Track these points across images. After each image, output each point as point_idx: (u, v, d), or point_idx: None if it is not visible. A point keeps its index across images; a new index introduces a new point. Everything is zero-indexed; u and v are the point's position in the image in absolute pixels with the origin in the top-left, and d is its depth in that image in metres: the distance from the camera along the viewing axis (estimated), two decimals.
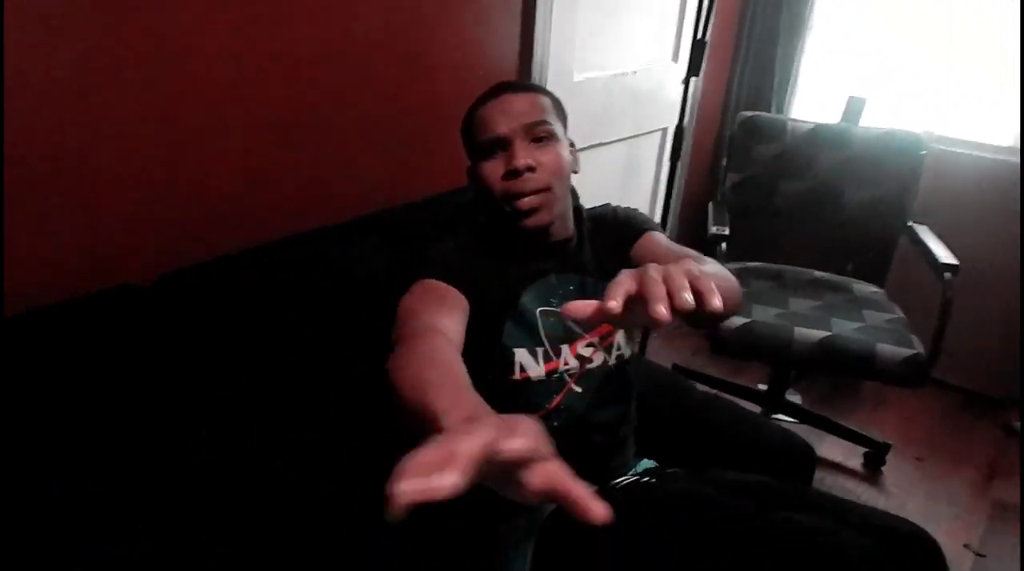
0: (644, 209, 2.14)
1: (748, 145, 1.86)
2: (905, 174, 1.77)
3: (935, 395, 2.13)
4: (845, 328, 1.57)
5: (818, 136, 1.84)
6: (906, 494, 1.74)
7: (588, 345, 0.98)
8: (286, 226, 1.11)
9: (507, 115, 0.93)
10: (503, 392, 0.94)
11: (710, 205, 1.87)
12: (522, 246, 0.97)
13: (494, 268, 0.96)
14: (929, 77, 2.13)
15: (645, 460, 1.08)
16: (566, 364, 0.96)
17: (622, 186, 2.10)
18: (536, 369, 0.95)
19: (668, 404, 1.21)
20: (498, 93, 0.96)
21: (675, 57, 2.05)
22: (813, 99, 2.34)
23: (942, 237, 1.67)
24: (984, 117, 2.04)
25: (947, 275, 1.48)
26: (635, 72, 1.90)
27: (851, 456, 1.85)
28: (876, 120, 2.01)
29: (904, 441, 1.91)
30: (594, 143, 1.84)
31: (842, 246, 2.08)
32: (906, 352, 1.48)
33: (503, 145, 0.93)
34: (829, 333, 1.54)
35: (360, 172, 1.29)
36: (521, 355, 0.95)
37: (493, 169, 0.93)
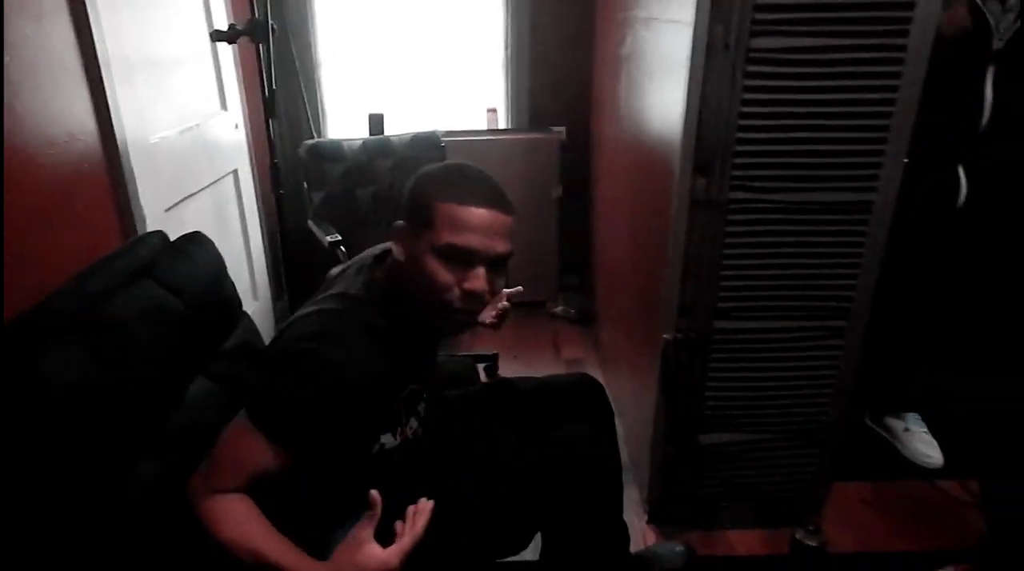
0: (239, 244, 2.32)
1: (320, 167, 2.21)
2: (437, 160, 2.38)
3: None
4: None
5: (368, 148, 2.31)
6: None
7: (423, 402, 1.18)
8: None
9: (491, 236, 0.94)
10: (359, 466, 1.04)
11: (310, 222, 2.17)
12: (415, 344, 1.07)
13: (376, 391, 0.98)
14: (426, 84, 2.82)
15: None
16: (411, 426, 1.14)
17: (217, 230, 2.22)
18: (393, 441, 1.09)
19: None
20: (491, 204, 0.95)
21: (224, 106, 2.25)
22: (343, 120, 2.83)
23: None
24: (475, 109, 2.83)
25: None
26: (198, 125, 2.04)
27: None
28: (397, 126, 2.59)
29: (501, 347, 2.58)
30: (186, 195, 1.93)
31: None
32: None
33: (471, 259, 0.94)
34: None
35: None
36: (385, 439, 1.07)
37: (451, 276, 0.94)
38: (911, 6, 1.22)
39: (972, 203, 1.67)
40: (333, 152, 2.25)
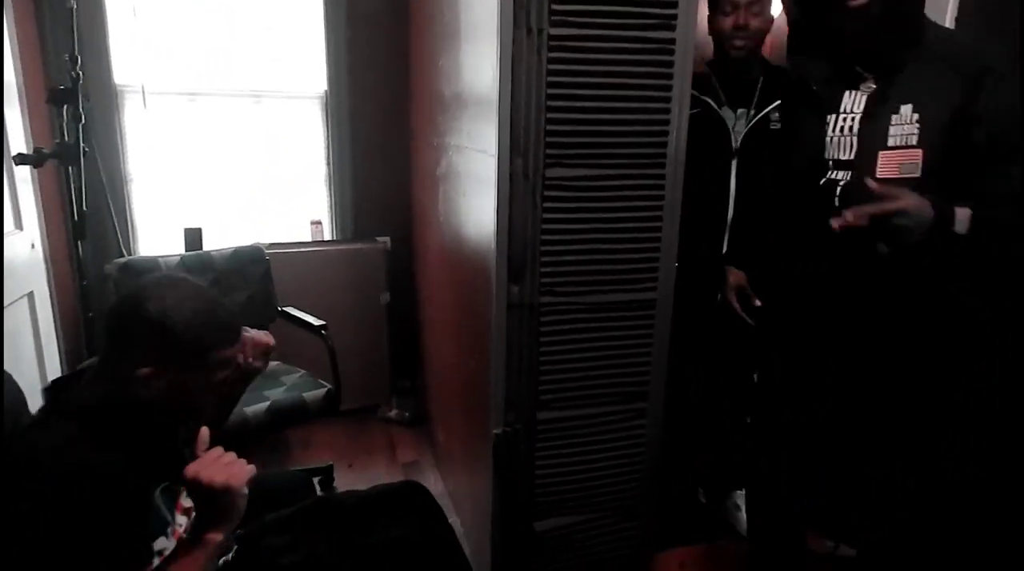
0: (34, 375, 2.12)
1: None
2: (261, 275, 2.38)
3: (336, 419, 2.85)
4: (277, 393, 2.07)
5: (187, 265, 2.26)
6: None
7: (187, 496, 1.15)
8: None
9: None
10: None
11: None
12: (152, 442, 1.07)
13: (106, 498, 0.95)
14: (249, 199, 2.82)
15: None
16: (180, 525, 1.11)
17: (9, 359, 2.01)
18: (170, 544, 1.07)
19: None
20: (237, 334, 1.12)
21: (18, 225, 2.10)
22: (158, 236, 2.73)
23: (306, 309, 2.35)
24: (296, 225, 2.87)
25: (323, 332, 2.16)
26: None
27: None
28: (217, 240, 2.56)
29: (334, 459, 2.54)
30: None
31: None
32: (323, 391, 2.09)
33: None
34: (269, 401, 2.01)
35: None
36: (159, 544, 1.04)
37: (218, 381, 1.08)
38: (664, 145, 1.53)
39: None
40: (147, 269, 2.17)
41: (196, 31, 2.63)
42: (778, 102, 1.91)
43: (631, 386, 1.67)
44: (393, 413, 2.92)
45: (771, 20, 1.92)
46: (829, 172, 1.46)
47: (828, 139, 1.45)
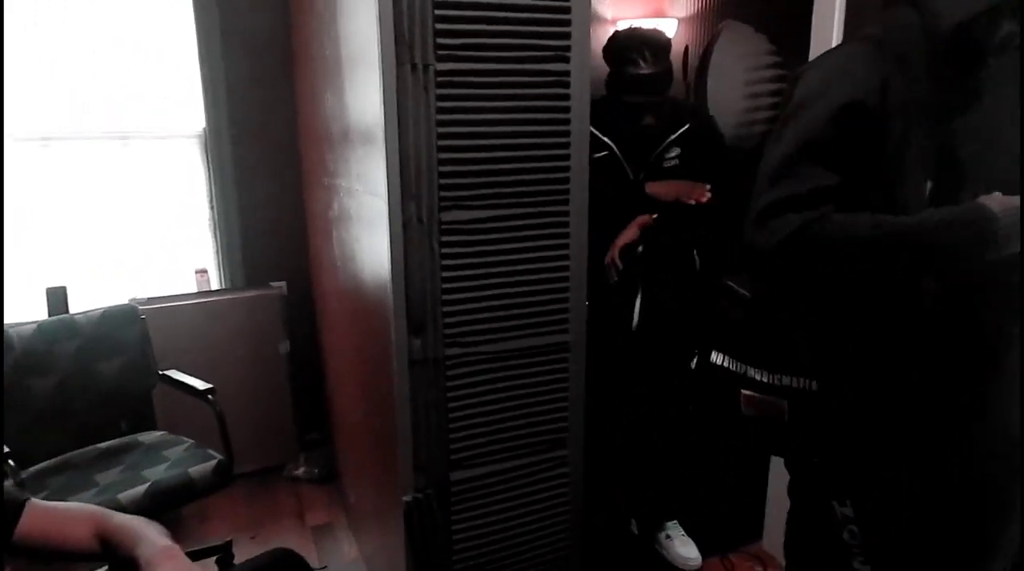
0: None
1: None
2: (137, 337, 2.13)
3: (237, 483, 2.61)
4: (158, 472, 1.83)
5: (45, 333, 1.99)
6: None
7: None
8: None
9: None
10: None
11: None
12: None
13: None
14: (123, 251, 2.55)
15: None
16: None
17: None
18: None
19: None
20: None
21: None
22: (15, 299, 2.41)
23: (193, 368, 2.12)
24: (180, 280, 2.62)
25: (210, 397, 1.94)
26: None
27: (207, 568, 2.13)
28: (88, 299, 2.29)
29: (235, 531, 2.30)
30: None
31: (108, 413, 2.28)
32: (212, 463, 1.87)
33: None
34: (148, 483, 1.77)
35: None
36: None
37: None
38: (566, 181, 1.45)
39: (642, 326, 1.98)
40: None
41: (50, 71, 2.37)
42: (676, 134, 1.91)
43: (550, 434, 1.57)
44: (301, 471, 2.70)
45: (671, 69, 1.90)
46: None
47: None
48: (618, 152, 1.90)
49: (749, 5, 2.36)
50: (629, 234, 1.90)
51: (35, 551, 1.00)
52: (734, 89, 2.14)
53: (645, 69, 1.79)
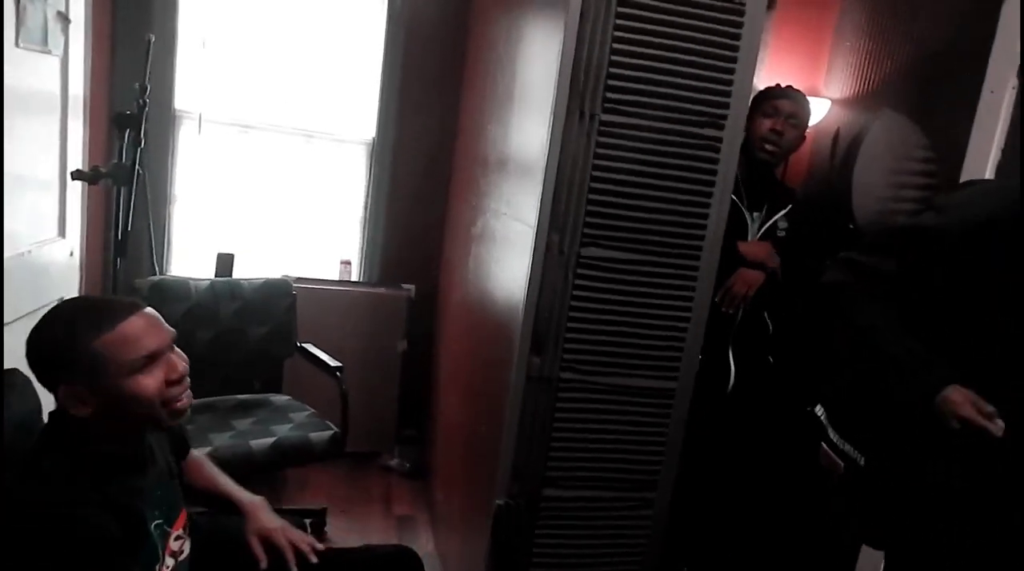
0: None
1: (159, 307, 2.14)
2: (286, 309, 2.40)
3: (337, 461, 2.82)
4: (284, 430, 2.06)
5: (216, 290, 2.29)
6: (347, 540, 2.33)
7: (177, 538, 1.14)
8: None
9: (156, 329, 1.03)
10: None
11: None
12: (121, 467, 1.05)
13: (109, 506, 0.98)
14: (283, 232, 2.88)
15: None
16: (168, 567, 1.10)
17: None
18: None
19: None
20: (131, 309, 1.01)
21: (62, 233, 2.16)
22: (189, 258, 2.78)
23: (324, 347, 2.36)
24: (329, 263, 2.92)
25: (339, 374, 2.16)
26: (29, 251, 1.94)
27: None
28: (247, 268, 2.60)
29: (330, 501, 2.50)
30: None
31: (248, 370, 2.56)
32: (329, 434, 2.08)
33: (158, 357, 1.02)
34: (276, 438, 2.00)
35: None
36: None
37: (153, 380, 1.00)
38: (701, 237, 1.54)
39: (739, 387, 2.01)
40: (178, 291, 2.21)
41: (257, 68, 2.74)
42: (785, 209, 2.01)
43: (641, 474, 1.64)
44: (394, 462, 2.89)
45: (804, 138, 1.99)
46: None
47: None
48: (741, 206, 1.97)
49: (909, 95, 2.35)
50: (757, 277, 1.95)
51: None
52: (880, 177, 2.14)
53: (780, 127, 1.92)
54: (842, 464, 1.33)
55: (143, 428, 1.09)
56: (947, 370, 1.19)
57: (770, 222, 2.00)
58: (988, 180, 1.67)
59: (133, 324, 1.00)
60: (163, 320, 1.07)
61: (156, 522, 1.08)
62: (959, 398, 1.14)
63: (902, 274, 1.26)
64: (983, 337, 1.20)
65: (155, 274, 2.50)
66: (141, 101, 1.72)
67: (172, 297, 2.18)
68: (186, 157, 2.72)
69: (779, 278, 1.96)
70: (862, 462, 1.30)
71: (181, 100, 2.66)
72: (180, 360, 1.07)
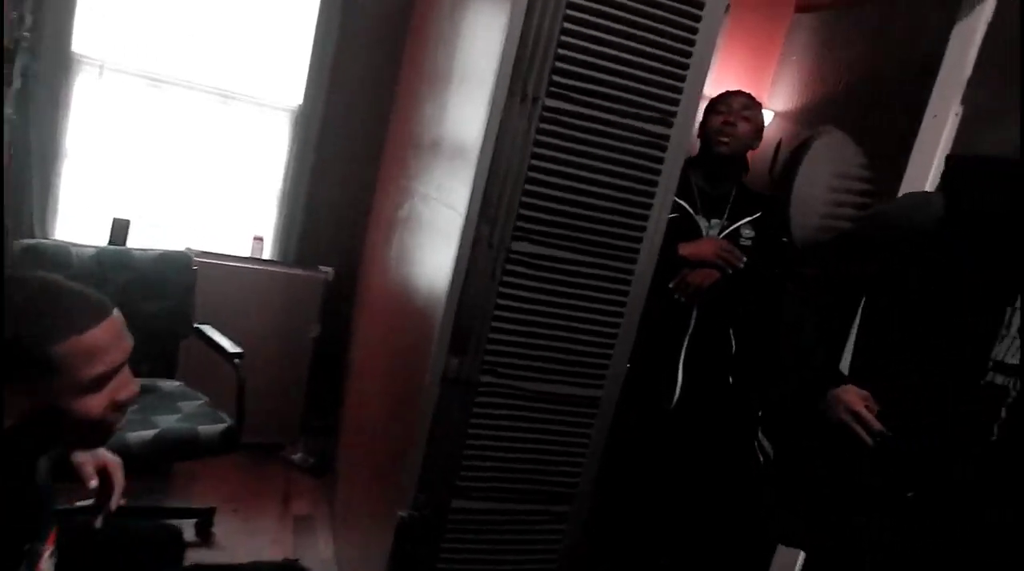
0: None
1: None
2: (184, 286, 2.18)
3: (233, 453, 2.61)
4: (169, 421, 1.85)
5: (103, 260, 2.04)
6: (235, 542, 2.13)
7: (50, 556, 0.96)
8: None
9: (121, 338, 0.87)
10: None
11: None
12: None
13: None
14: (191, 201, 2.62)
15: None
16: None
17: None
18: None
19: None
20: (104, 311, 0.86)
21: None
22: (77, 221, 2.49)
23: (226, 328, 2.15)
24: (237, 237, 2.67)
25: (237, 361, 1.96)
26: None
27: (186, 530, 2.11)
28: (141, 238, 2.35)
29: (220, 499, 2.29)
30: None
31: (135, 351, 2.31)
32: (221, 427, 1.88)
33: (116, 373, 0.87)
34: (158, 429, 1.79)
35: None
36: None
37: (102, 399, 0.85)
38: (639, 240, 1.45)
39: (685, 404, 1.91)
40: (56, 256, 1.95)
41: (175, 14, 2.48)
42: (751, 217, 1.91)
43: (558, 486, 1.54)
44: (297, 456, 2.69)
45: (759, 131, 1.93)
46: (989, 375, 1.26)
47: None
48: (694, 215, 1.89)
49: (851, 115, 2.36)
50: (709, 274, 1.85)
51: None
52: (819, 192, 2.13)
53: (732, 118, 1.85)
54: (762, 459, 1.52)
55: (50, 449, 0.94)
56: (839, 373, 1.34)
57: (731, 228, 1.91)
58: (917, 192, 1.71)
59: (103, 331, 0.84)
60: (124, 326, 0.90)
61: (27, 546, 0.90)
62: (849, 397, 1.29)
63: (829, 278, 1.43)
64: (903, 334, 1.31)
65: (33, 235, 2.22)
66: (18, 35, 1.48)
67: (48, 264, 1.92)
68: (84, 108, 2.43)
69: (740, 281, 1.85)
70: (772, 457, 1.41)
71: (81, 43, 2.37)
72: (132, 380, 0.91)
